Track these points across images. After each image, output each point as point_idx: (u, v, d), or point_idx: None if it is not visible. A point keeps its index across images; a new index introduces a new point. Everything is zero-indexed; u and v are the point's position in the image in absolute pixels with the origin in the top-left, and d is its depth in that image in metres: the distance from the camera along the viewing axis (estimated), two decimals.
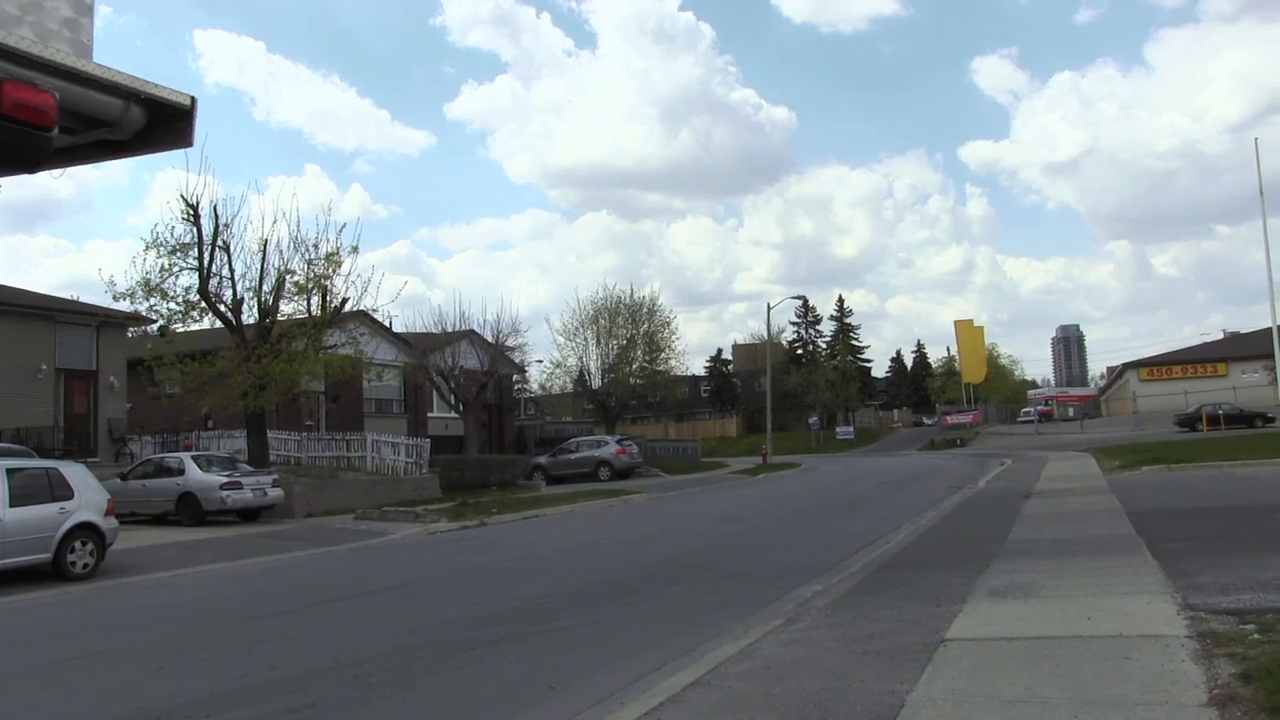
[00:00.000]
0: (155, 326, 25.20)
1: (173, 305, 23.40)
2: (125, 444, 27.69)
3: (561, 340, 53.66)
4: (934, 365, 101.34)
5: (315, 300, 24.56)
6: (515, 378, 48.84)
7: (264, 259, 24.20)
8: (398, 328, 38.31)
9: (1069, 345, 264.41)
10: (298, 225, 56.60)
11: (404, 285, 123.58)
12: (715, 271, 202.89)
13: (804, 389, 76.73)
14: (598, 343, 53.59)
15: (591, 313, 52.99)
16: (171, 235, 23.22)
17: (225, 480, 20.14)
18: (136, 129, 3.22)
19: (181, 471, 20.53)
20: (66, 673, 7.36)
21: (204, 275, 23.22)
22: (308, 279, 24.21)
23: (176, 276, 23.32)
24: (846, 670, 5.79)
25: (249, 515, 20.77)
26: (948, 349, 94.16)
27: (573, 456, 37.88)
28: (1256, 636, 5.80)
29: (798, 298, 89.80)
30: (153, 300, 23.30)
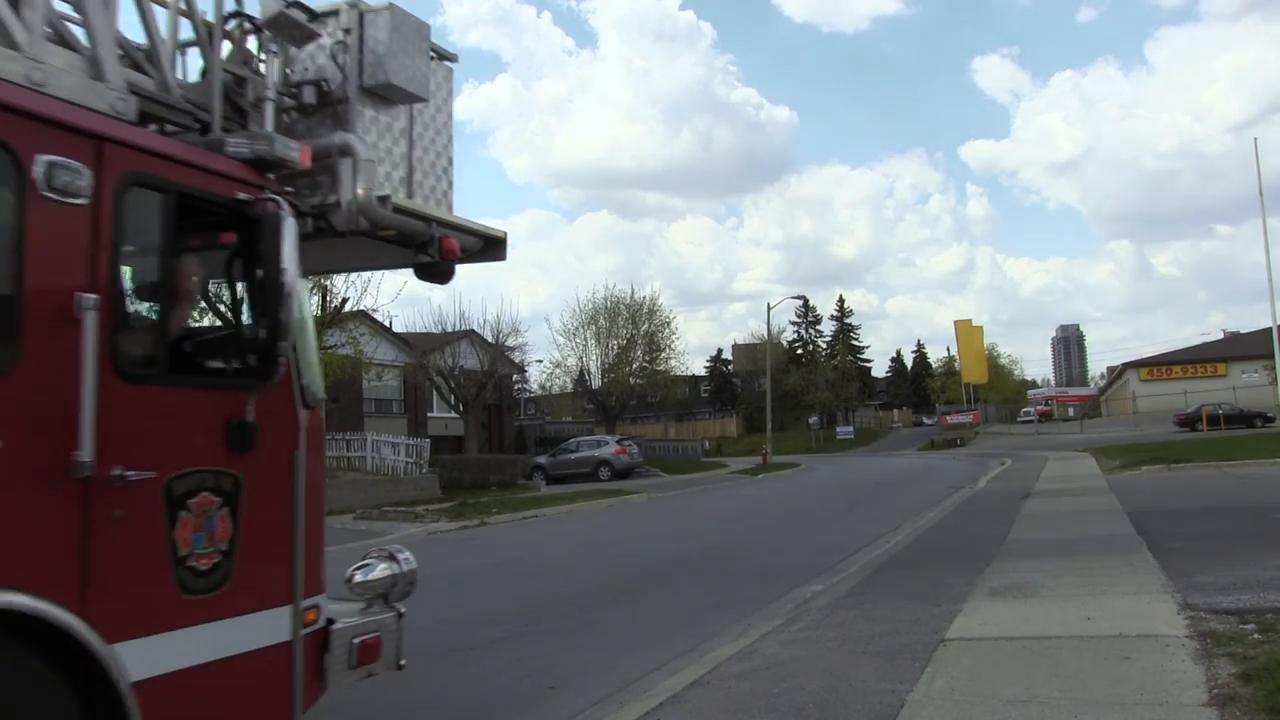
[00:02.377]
0: None
1: None
2: None
3: (561, 340, 53.80)
4: (934, 365, 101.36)
5: (315, 300, 24.58)
6: (515, 378, 48.87)
7: None
8: (398, 328, 38.34)
9: (1069, 345, 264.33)
10: None
11: (404, 285, 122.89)
12: (715, 271, 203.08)
13: (804, 389, 76.74)
14: (598, 343, 53.66)
15: (591, 313, 53.08)
16: None
17: None
18: (476, 250, 5.31)
19: None
20: None
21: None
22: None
23: None
24: (846, 670, 5.79)
25: None
26: (948, 349, 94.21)
27: (573, 456, 37.89)
28: (1256, 636, 5.79)
29: (798, 298, 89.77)
30: None
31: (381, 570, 4.51)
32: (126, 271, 3.44)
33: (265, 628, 3.68)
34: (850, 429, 73.60)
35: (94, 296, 3.03)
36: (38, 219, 2.94)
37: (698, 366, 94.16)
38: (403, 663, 4.50)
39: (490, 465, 32.40)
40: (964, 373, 67.10)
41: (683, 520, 19.66)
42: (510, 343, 41.29)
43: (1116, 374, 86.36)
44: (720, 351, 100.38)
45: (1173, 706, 4.62)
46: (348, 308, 25.38)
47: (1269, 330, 39.42)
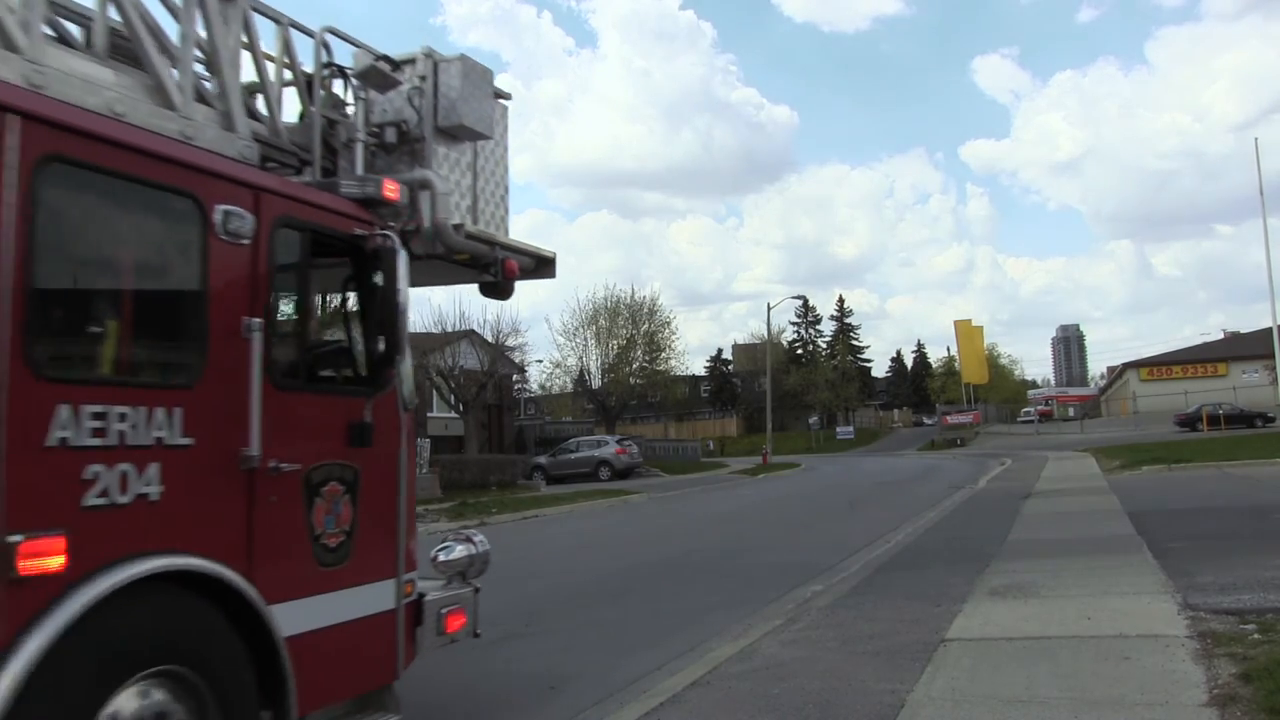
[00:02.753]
0: None
1: None
2: None
3: (561, 340, 53.82)
4: (934, 365, 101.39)
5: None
6: (515, 378, 48.84)
7: None
8: None
9: (1069, 345, 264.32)
10: None
11: None
12: (715, 271, 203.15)
13: (804, 389, 76.78)
14: (598, 342, 53.69)
15: (591, 312, 53.10)
16: None
17: None
18: (530, 269, 5.98)
19: None
20: None
21: None
22: None
23: None
24: (846, 670, 5.79)
25: None
26: (948, 349, 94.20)
27: (573, 456, 37.89)
28: (1257, 636, 5.79)
29: (798, 298, 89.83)
30: None
31: (460, 551, 5.21)
32: (276, 298, 4.10)
33: (376, 597, 4.39)
34: (850, 429, 73.64)
35: (258, 320, 3.74)
36: (216, 257, 3.66)
37: (698, 366, 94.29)
38: (479, 632, 5.27)
39: (490, 465, 32.40)
40: (964, 373, 67.11)
41: (683, 520, 19.65)
42: (510, 343, 41.32)
43: (1116, 374, 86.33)
44: (720, 351, 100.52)
45: (1173, 706, 4.62)
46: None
47: (1269, 330, 39.39)
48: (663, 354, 55.36)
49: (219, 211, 3.67)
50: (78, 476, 3.13)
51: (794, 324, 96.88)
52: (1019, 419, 76.09)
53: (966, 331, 65.45)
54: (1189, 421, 45.20)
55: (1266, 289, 36.73)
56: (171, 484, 3.43)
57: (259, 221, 3.84)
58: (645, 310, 53.85)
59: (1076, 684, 5.11)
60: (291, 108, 4.99)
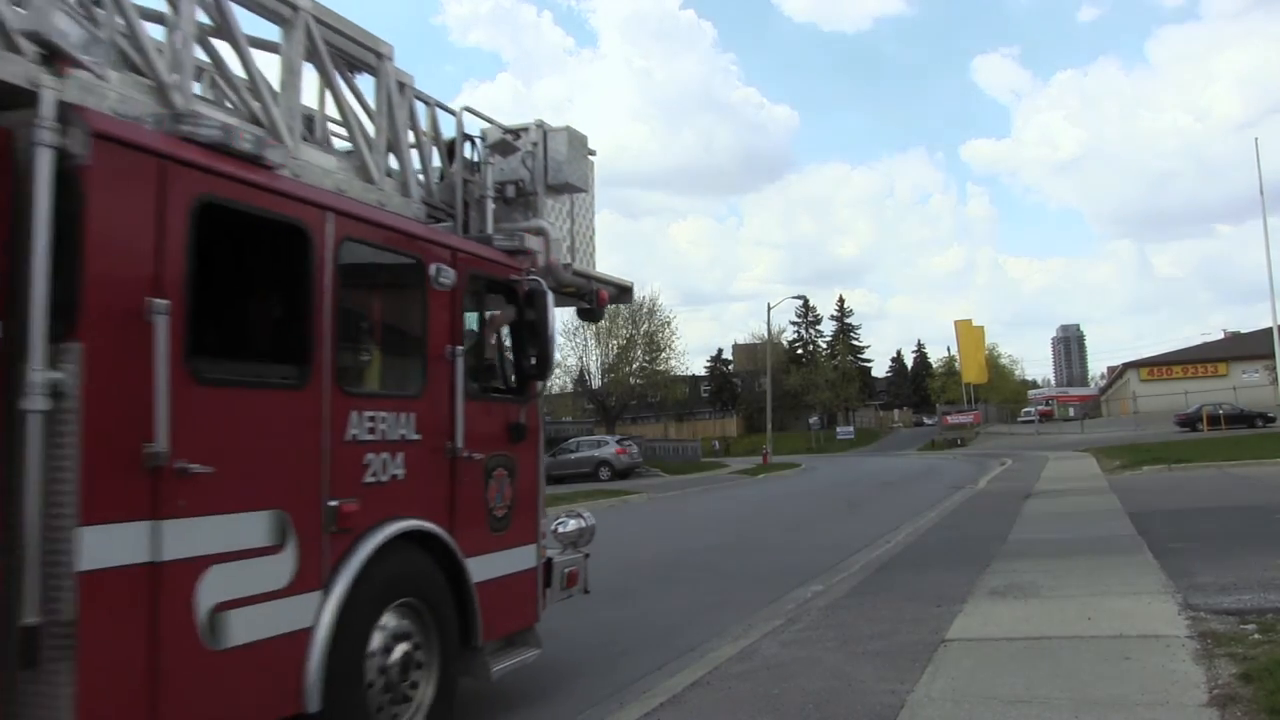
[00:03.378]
0: None
1: None
2: None
3: (561, 340, 53.76)
4: (934, 365, 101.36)
5: None
6: None
7: None
8: None
9: (1069, 345, 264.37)
10: None
11: None
12: (716, 271, 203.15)
13: (804, 389, 76.74)
14: (598, 342, 53.70)
15: None
16: None
17: None
18: (615, 296, 7.24)
19: None
20: None
21: None
22: None
23: None
24: (846, 670, 5.78)
25: None
26: (948, 349, 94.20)
27: (572, 456, 37.86)
28: (1257, 636, 5.79)
29: (798, 297, 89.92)
30: None
31: (573, 525, 6.68)
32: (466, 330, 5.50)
33: (524, 557, 5.83)
34: (850, 429, 73.63)
35: (460, 348, 5.16)
36: (432, 302, 5.03)
37: (698, 366, 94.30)
38: (588, 589, 6.72)
39: None
40: (964, 373, 67.08)
41: (683, 521, 19.65)
42: None
43: (1117, 374, 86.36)
44: (720, 351, 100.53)
45: (1173, 706, 4.61)
46: None
47: (1270, 330, 39.38)
48: (663, 354, 55.39)
49: (434, 268, 4.98)
50: (361, 462, 4.48)
51: (794, 324, 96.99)
52: (1019, 419, 76.05)
53: (967, 331, 65.42)
54: (1189, 421, 45.19)
55: (1267, 289, 36.75)
56: (409, 468, 4.78)
57: (458, 274, 5.14)
58: (645, 310, 53.84)
59: (1077, 684, 5.11)
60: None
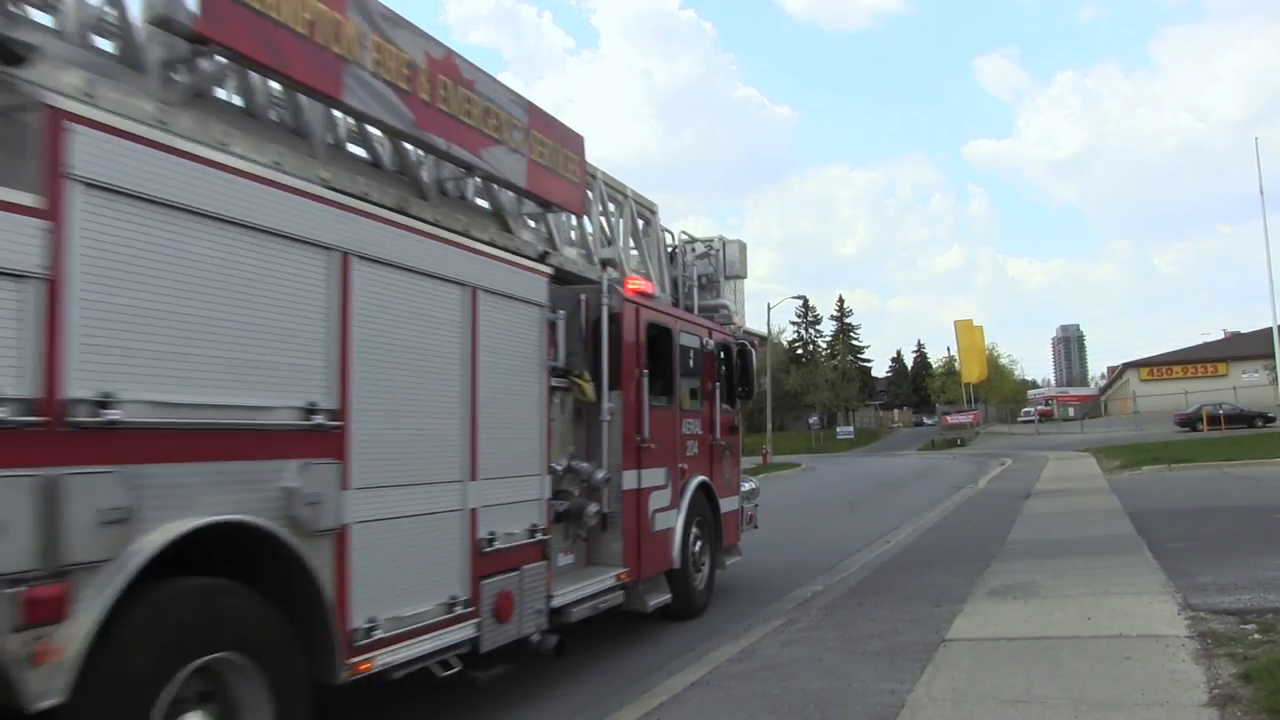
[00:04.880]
0: None
1: None
2: None
3: None
4: (934, 365, 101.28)
5: None
6: None
7: None
8: None
9: (1069, 345, 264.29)
10: None
11: None
12: None
13: (804, 389, 76.64)
14: None
15: None
16: None
17: None
18: (757, 344, 12.48)
19: None
20: None
21: None
22: None
23: None
24: (846, 670, 5.79)
25: None
26: (948, 349, 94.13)
27: None
28: (1257, 636, 5.80)
29: (798, 297, 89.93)
30: None
31: (749, 486, 10.54)
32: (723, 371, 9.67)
33: (736, 502, 9.73)
34: (850, 429, 73.52)
35: (717, 383, 9.36)
36: (706, 359, 9.09)
37: None
38: (756, 525, 10.80)
39: None
40: (964, 373, 67.04)
41: None
42: None
43: (1117, 374, 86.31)
44: None
45: (1173, 706, 4.62)
46: None
47: (1269, 330, 39.39)
48: None
49: (705, 339, 9.12)
50: (686, 444, 8.42)
51: (794, 324, 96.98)
52: (1019, 419, 75.97)
53: (967, 331, 65.36)
54: (1189, 421, 45.16)
55: (1267, 289, 36.74)
56: (698, 448, 8.73)
57: (713, 342, 9.26)
58: None
59: (1076, 684, 5.12)
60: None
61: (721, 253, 10.47)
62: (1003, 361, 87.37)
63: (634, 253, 9.27)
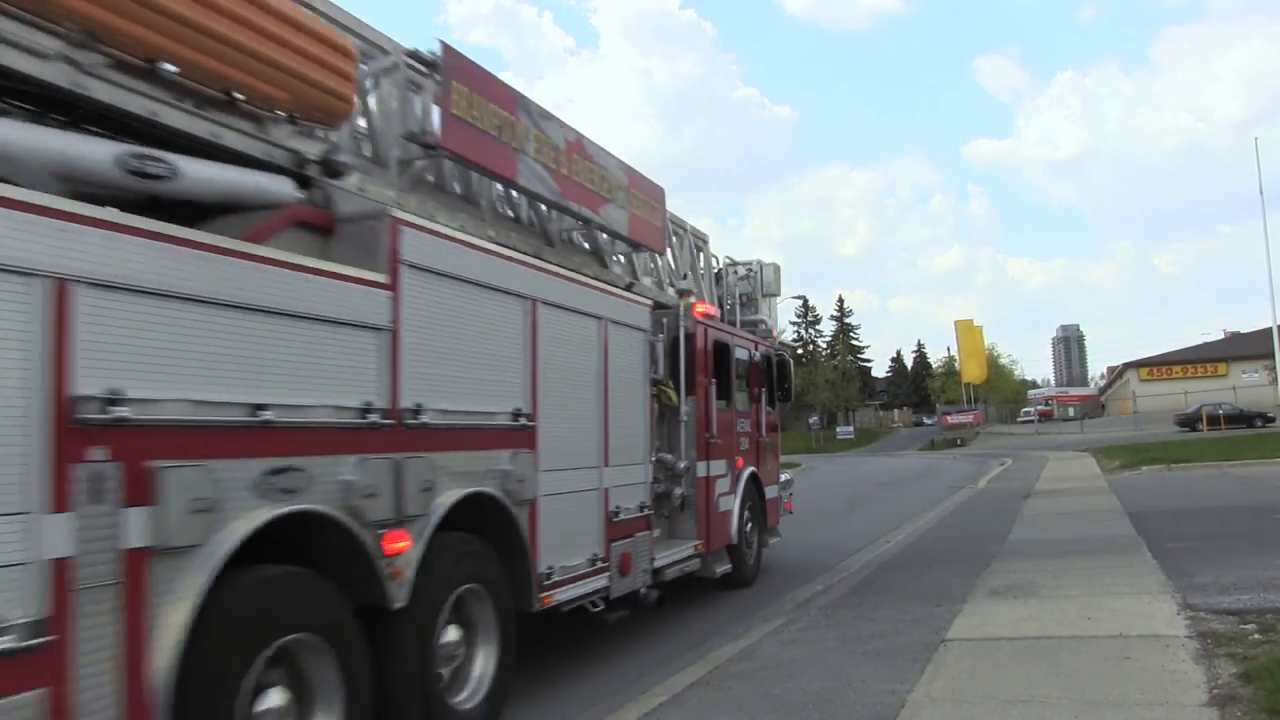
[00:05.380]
0: None
1: None
2: None
3: None
4: (934, 365, 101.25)
5: None
6: None
7: None
8: None
9: (1069, 345, 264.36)
10: None
11: None
12: None
13: (804, 389, 76.48)
14: None
15: None
16: None
17: None
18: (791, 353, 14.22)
19: None
20: None
21: None
22: None
23: None
24: (846, 670, 5.79)
25: None
26: (948, 349, 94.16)
27: None
28: (1257, 636, 5.80)
29: (798, 297, 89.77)
30: None
31: (785, 477, 12.19)
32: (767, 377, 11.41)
33: (775, 490, 11.38)
34: (850, 429, 73.49)
35: (763, 388, 11.12)
36: (753, 368, 10.81)
37: None
38: (791, 511, 12.14)
39: None
40: (964, 373, 67.04)
41: None
42: None
43: (1116, 374, 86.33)
44: None
45: (1173, 706, 4.62)
46: None
47: (1269, 330, 39.42)
48: None
49: (755, 351, 10.88)
50: (740, 439, 10.08)
51: (794, 324, 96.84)
52: (1019, 419, 75.98)
53: (966, 331, 65.32)
54: (1189, 421, 45.15)
55: (1267, 289, 36.73)
56: (749, 443, 10.42)
57: (758, 354, 10.91)
58: None
59: (1076, 684, 5.12)
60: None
61: (759, 274, 12.28)
62: (1003, 361, 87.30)
63: (687, 274, 10.82)
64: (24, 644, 2.97)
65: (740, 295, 12.00)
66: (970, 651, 6.03)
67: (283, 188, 4.69)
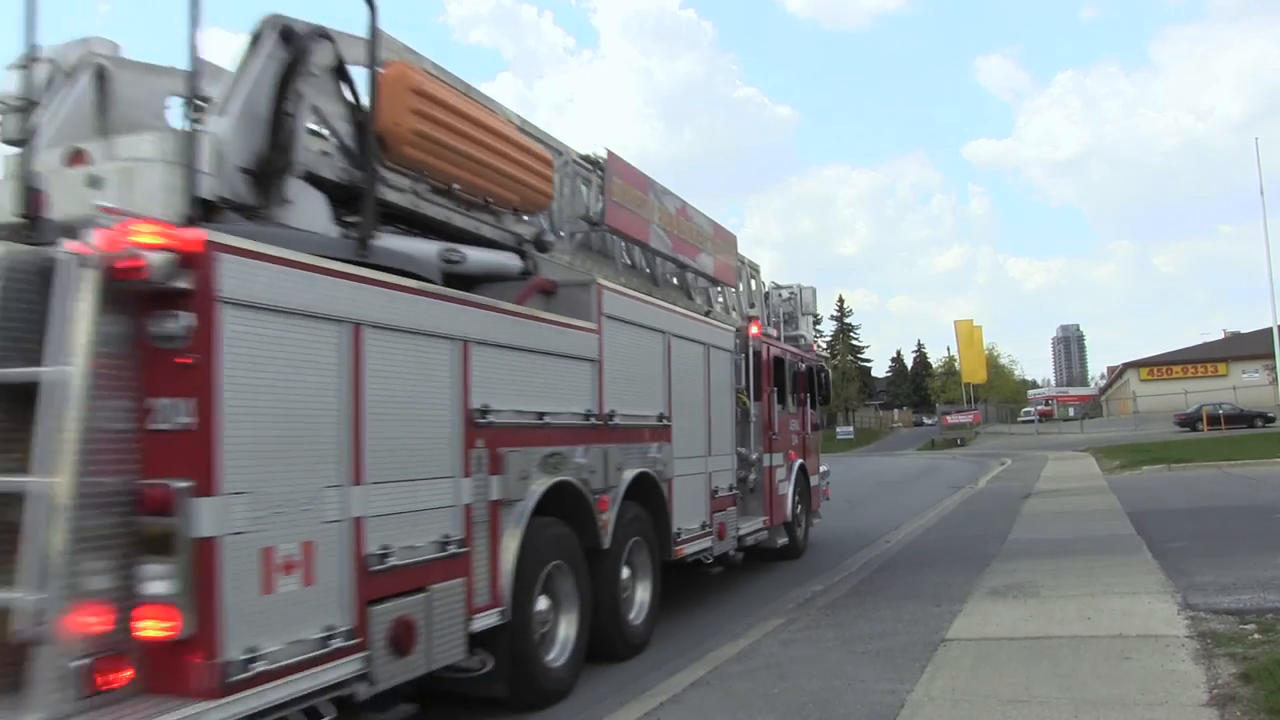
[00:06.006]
0: None
1: None
2: None
3: None
4: (934, 365, 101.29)
5: None
6: None
7: None
8: None
9: (1069, 345, 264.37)
10: None
11: None
12: None
13: None
14: None
15: None
16: None
17: None
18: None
19: None
20: None
21: None
22: None
23: None
24: (846, 670, 5.79)
25: None
26: (948, 349, 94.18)
27: None
28: (1256, 636, 5.80)
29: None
30: None
31: (824, 468, 14.19)
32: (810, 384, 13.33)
33: (817, 479, 13.36)
34: (850, 429, 73.46)
35: (808, 393, 13.03)
36: (800, 376, 12.60)
37: None
38: (829, 498, 14.68)
39: None
40: (964, 373, 67.06)
41: None
42: None
43: (1116, 374, 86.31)
44: None
45: (1173, 706, 4.62)
46: None
47: (1269, 330, 39.43)
48: None
49: (800, 364, 12.61)
50: (791, 435, 11.90)
51: None
52: (1019, 419, 75.92)
53: (966, 331, 65.35)
54: (1189, 421, 45.12)
55: (1267, 289, 36.73)
56: (798, 440, 12.25)
57: (804, 365, 12.83)
58: None
59: (1076, 684, 5.12)
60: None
61: (799, 296, 14.61)
62: (1003, 361, 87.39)
63: (755, 303, 13.23)
64: (456, 551, 5.11)
65: (783, 314, 14.26)
66: (970, 651, 6.03)
67: (513, 262, 6.60)
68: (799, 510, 12.10)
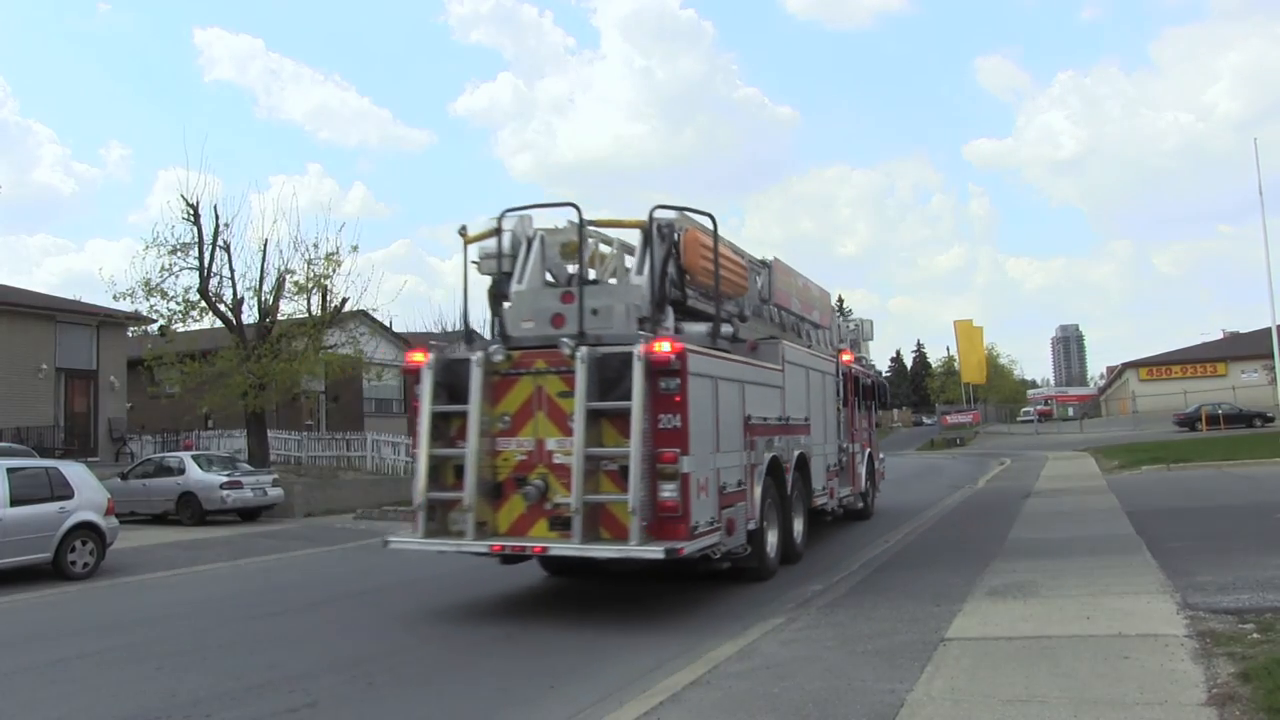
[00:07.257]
0: (155, 326, 25.13)
1: (173, 305, 23.44)
2: (125, 443, 27.62)
3: None
4: (934, 365, 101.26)
5: (315, 300, 24.53)
6: None
7: (264, 258, 24.31)
8: (398, 327, 38.31)
9: (1069, 345, 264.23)
10: (298, 224, 56.88)
11: (404, 284, 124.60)
12: None
13: None
14: None
15: None
16: (172, 235, 23.44)
17: (225, 480, 20.08)
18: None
19: (182, 471, 20.46)
20: (65, 672, 7.34)
21: (204, 275, 23.20)
22: (308, 278, 24.15)
23: (177, 276, 23.42)
24: (846, 670, 5.80)
25: (249, 515, 20.73)
26: (947, 349, 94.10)
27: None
28: (1256, 636, 5.81)
29: None
30: (153, 300, 23.30)
31: (881, 456, 19.91)
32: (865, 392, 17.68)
33: (877, 463, 18.72)
34: None
35: (874, 400, 18.34)
36: (863, 389, 17.08)
37: None
38: (885, 476, 20.28)
39: None
40: (964, 373, 67.03)
41: None
42: None
43: (1116, 374, 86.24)
44: None
45: (1172, 706, 4.63)
46: (348, 307, 25.31)
47: (1269, 330, 39.40)
48: None
49: (867, 379, 17.41)
50: (863, 431, 16.76)
51: None
52: (1019, 419, 75.94)
53: (966, 331, 65.27)
54: (1188, 421, 45.13)
55: (1266, 289, 36.72)
56: (866, 434, 16.96)
57: (870, 380, 17.87)
58: None
59: (1076, 684, 5.12)
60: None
61: (861, 327, 18.76)
62: (1002, 361, 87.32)
63: (846, 339, 17.07)
64: (739, 489, 9.33)
65: (850, 340, 17.54)
66: (970, 651, 6.04)
67: (728, 329, 10.12)
68: (868, 484, 16.57)
